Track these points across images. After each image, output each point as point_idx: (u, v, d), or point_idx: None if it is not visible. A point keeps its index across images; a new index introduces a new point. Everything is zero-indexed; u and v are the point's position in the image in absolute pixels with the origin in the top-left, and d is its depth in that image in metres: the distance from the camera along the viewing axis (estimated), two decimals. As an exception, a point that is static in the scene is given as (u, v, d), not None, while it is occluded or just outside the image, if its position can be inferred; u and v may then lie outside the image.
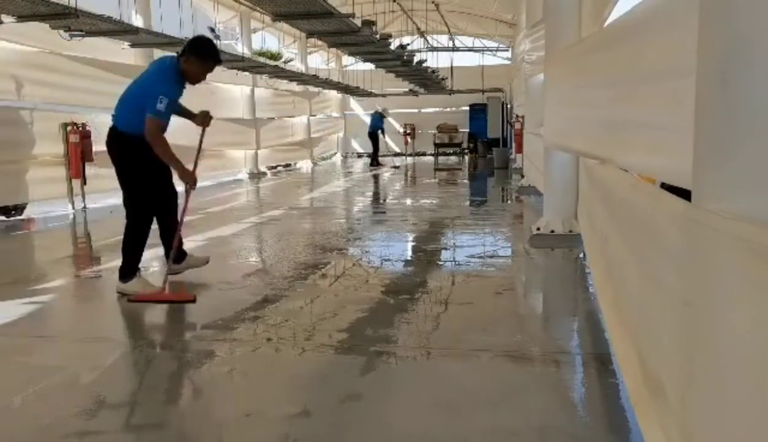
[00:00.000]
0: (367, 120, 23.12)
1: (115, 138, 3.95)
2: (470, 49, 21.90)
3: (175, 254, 4.10)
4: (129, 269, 3.96)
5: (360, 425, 2.23)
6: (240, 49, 13.84)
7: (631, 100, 2.23)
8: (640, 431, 1.88)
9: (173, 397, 2.55)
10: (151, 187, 3.99)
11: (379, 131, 17.34)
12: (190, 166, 4.05)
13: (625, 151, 2.44)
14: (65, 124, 8.49)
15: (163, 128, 3.87)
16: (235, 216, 7.93)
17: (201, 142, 4.28)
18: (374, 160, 17.10)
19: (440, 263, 5.03)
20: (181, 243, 4.26)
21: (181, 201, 4.19)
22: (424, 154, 22.10)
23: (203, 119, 4.26)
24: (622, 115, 2.42)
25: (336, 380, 2.63)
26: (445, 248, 5.70)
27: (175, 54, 4.11)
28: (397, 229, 6.73)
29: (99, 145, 8.85)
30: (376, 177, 14.18)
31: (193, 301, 3.74)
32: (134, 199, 3.98)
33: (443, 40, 20.64)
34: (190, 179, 4.00)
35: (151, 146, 3.81)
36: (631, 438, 2.09)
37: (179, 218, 4.13)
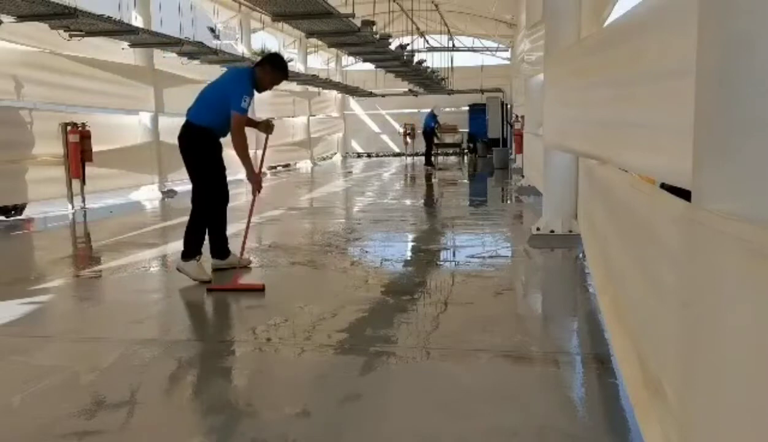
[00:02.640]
0: (366, 120, 23.24)
1: (188, 131, 4.34)
2: (470, 50, 21.91)
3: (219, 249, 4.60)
4: (190, 251, 4.29)
5: (359, 425, 2.23)
6: (240, 49, 13.84)
7: (630, 100, 2.23)
8: (639, 431, 1.88)
9: (172, 397, 2.54)
10: (216, 179, 4.37)
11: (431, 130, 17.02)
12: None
13: (625, 151, 2.44)
14: (65, 124, 8.49)
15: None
16: (235, 216, 7.90)
17: (265, 148, 4.74)
18: (429, 160, 16.70)
19: (440, 263, 5.03)
20: (226, 241, 4.63)
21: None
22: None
23: (266, 127, 4.66)
24: (622, 115, 2.42)
25: (335, 380, 2.63)
26: (445, 248, 5.71)
27: (248, 65, 4.72)
28: (397, 229, 6.73)
29: (99, 145, 8.89)
30: (376, 177, 14.18)
31: (262, 289, 4.00)
32: (202, 188, 4.35)
33: (443, 40, 20.65)
34: (256, 181, 4.42)
35: (218, 143, 4.35)
36: (631, 438, 2.08)
37: (247, 220, 4.54)
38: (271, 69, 4.45)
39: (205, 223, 4.40)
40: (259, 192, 4.48)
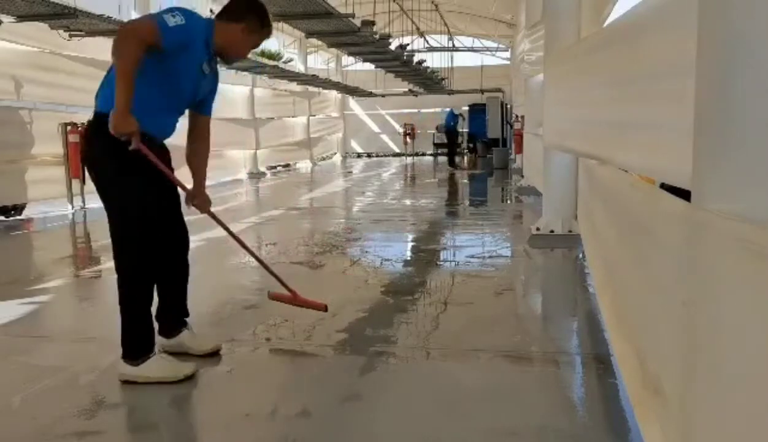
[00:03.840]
0: (366, 120, 23.23)
1: (91, 130, 2.62)
2: (470, 50, 21.92)
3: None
4: (135, 346, 2.59)
5: (359, 425, 2.23)
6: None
7: (630, 100, 2.23)
8: (639, 431, 1.88)
9: (172, 397, 2.54)
10: (148, 205, 2.57)
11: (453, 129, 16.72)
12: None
13: (625, 151, 2.44)
14: (65, 124, 8.49)
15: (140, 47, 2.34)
16: (235, 216, 7.93)
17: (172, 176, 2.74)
18: (452, 161, 16.33)
19: (440, 263, 5.03)
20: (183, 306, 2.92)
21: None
22: (423, 155, 22.09)
23: (198, 203, 2.95)
24: (622, 115, 2.42)
25: (336, 380, 2.63)
26: (445, 248, 5.70)
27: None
28: (397, 229, 6.73)
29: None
30: (376, 177, 14.17)
31: (325, 310, 3.18)
32: (123, 224, 2.54)
33: (443, 40, 20.66)
34: (123, 128, 2.33)
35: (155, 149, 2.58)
36: (631, 438, 2.08)
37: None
38: (250, 28, 2.70)
39: (142, 293, 2.60)
40: (134, 144, 2.40)
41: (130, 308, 2.57)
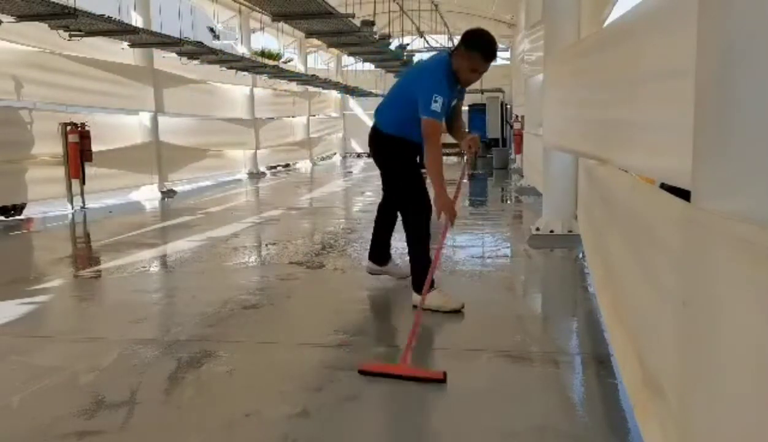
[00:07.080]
0: (366, 120, 23.21)
1: (377, 140, 3.75)
2: (470, 49, 21.88)
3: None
4: (421, 282, 3.31)
5: (359, 425, 2.23)
6: (239, 49, 13.84)
7: (630, 101, 2.23)
8: (639, 431, 1.88)
9: (172, 397, 2.54)
10: (420, 185, 3.66)
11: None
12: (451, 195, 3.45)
13: (625, 152, 2.44)
14: (65, 124, 8.49)
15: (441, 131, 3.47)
16: (235, 216, 7.93)
17: (463, 173, 3.74)
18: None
19: (439, 263, 5.02)
20: (388, 245, 4.23)
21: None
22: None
23: (469, 144, 3.65)
24: (622, 116, 2.42)
25: (336, 380, 2.63)
26: (445, 248, 5.70)
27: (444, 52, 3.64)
28: (397, 228, 6.71)
29: (99, 145, 8.89)
30: (376, 177, 14.15)
31: (444, 380, 2.58)
32: (408, 199, 3.67)
33: (443, 40, 20.64)
34: (446, 208, 3.33)
35: (414, 149, 3.59)
36: (630, 439, 2.09)
37: (437, 249, 3.43)
38: (465, 50, 3.39)
39: (427, 236, 3.62)
40: (452, 224, 3.37)
41: (421, 257, 3.55)
